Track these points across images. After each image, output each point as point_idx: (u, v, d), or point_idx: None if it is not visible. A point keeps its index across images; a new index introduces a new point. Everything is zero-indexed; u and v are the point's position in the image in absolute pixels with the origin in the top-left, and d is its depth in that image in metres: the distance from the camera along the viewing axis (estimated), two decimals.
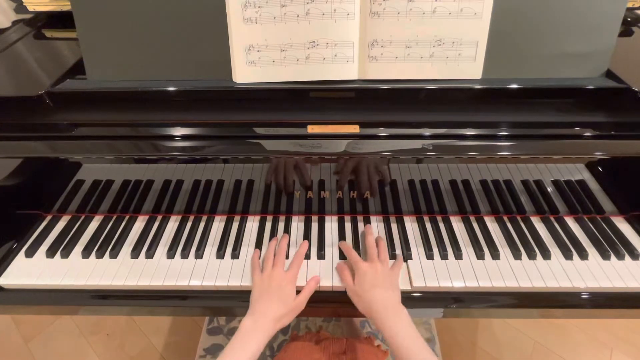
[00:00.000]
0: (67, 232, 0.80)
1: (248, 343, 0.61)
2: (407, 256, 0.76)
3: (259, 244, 0.78)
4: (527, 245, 0.76)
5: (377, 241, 0.76)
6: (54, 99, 0.69)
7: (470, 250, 0.76)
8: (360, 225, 0.82)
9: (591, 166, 0.74)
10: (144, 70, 0.69)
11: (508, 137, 0.67)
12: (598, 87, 0.68)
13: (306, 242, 0.77)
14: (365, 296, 0.66)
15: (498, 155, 0.70)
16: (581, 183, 0.77)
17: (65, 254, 0.76)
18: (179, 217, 0.83)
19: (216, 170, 0.76)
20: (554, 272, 0.72)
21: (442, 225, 0.81)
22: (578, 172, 0.75)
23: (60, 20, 0.91)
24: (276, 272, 0.70)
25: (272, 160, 0.73)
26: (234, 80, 0.69)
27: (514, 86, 0.68)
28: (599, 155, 0.71)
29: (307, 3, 0.63)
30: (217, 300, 0.73)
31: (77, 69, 0.73)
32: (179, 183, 0.79)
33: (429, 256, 0.75)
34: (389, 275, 0.70)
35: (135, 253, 0.76)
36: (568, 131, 0.67)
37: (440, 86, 0.68)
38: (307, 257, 0.76)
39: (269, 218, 0.83)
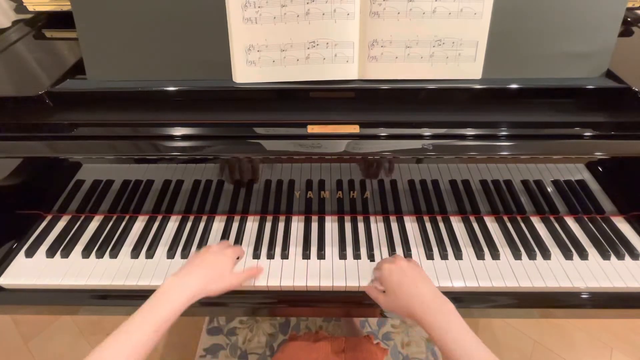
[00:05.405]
0: (67, 232, 0.80)
1: (169, 300, 0.59)
2: (407, 256, 0.76)
3: (258, 244, 0.78)
4: (527, 245, 0.76)
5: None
6: (54, 98, 0.69)
7: (470, 250, 0.76)
8: (361, 225, 0.82)
9: (591, 166, 0.74)
10: (144, 70, 0.69)
11: (508, 137, 0.67)
12: (598, 87, 0.68)
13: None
14: (401, 297, 0.61)
15: (498, 155, 0.70)
16: (581, 183, 0.77)
17: (65, 254, 0.76)
18: (179, 217, 0.83)
19: (216, 170, 0.76)
20: (554, 272, 0.72)
21: (442, 225, 0.81)
22: (578, 172, 0.75)
23: (60, 20, 0.91)
24: (215, 246, 0.70)
25: (271, 161, 0.73)
26: (234, 80, 0.69)
27: (514, 86, 0.68)
28: (599, 155, 0.71)
29: (307, 3, 0.63)
30: (216, 299, 0.73)
31: (77, 69, 0.73)
32: (179, 183, 0.79)
33: (429, 256, 0.75)
34: (416, 268, 0.66)
35: (135, 253, 0.76)
36: (568, 131, 0.67)
37: (440, 86, 0.68)
38: (307, 257, 0.76)
39: (269, 218, 0.83)
